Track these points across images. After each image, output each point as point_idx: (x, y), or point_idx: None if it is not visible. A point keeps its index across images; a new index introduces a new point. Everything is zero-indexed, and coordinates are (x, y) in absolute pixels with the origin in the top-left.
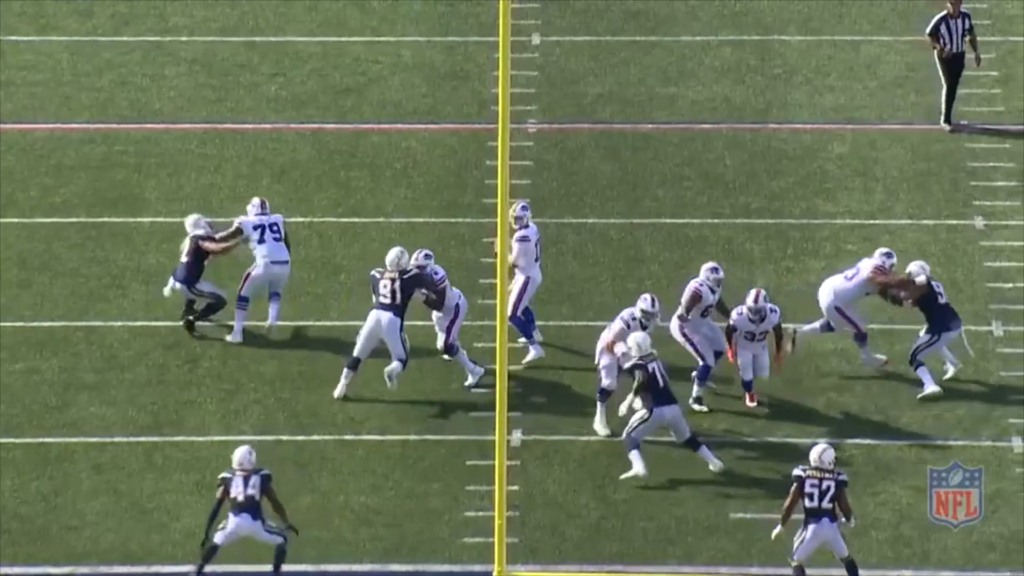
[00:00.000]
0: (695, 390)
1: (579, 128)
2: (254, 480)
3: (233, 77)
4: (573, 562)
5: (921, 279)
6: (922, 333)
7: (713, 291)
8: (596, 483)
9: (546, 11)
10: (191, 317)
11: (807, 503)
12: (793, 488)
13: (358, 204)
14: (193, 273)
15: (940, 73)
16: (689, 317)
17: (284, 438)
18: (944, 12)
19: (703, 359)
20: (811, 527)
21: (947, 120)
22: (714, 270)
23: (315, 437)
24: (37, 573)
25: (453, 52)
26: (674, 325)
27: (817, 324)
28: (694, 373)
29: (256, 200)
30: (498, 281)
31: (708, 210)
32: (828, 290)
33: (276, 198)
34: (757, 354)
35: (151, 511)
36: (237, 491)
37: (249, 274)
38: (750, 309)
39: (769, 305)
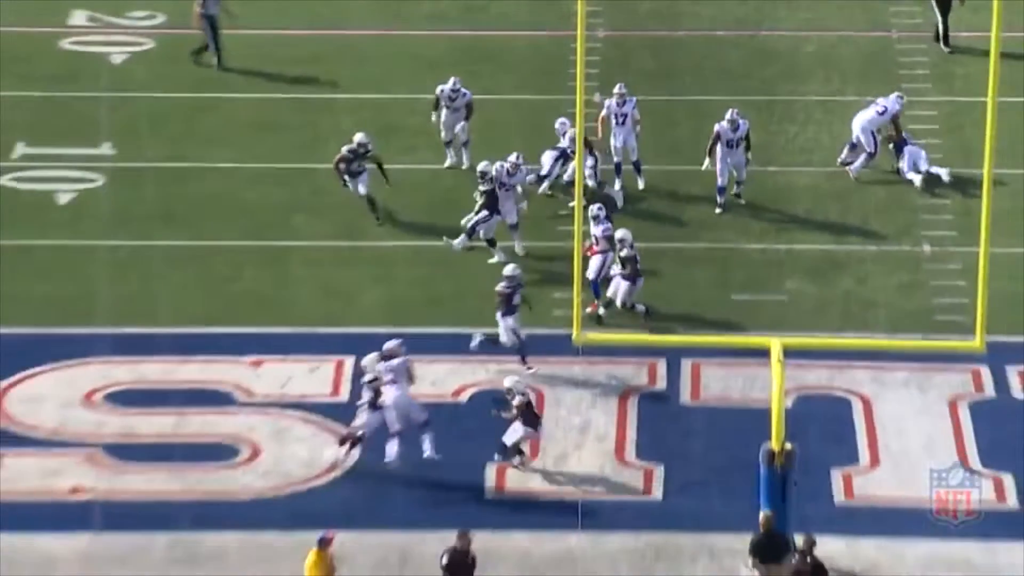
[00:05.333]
0: (719, 199)
1: (632, 35)
2: None
3: None
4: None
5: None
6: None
7: (736, 126)
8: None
9: None
10: None
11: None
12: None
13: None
14: None
15: (934, 6)
16: (716, 149)
17: None
18: None
19: (720, 177)
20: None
21: (946, 43)
22: (731, 112)
23: None
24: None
25: None
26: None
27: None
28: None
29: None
30: (576, 189)
31: (721, 91)
32: (863, 119)
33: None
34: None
35: None
36: None
37: None
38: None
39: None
